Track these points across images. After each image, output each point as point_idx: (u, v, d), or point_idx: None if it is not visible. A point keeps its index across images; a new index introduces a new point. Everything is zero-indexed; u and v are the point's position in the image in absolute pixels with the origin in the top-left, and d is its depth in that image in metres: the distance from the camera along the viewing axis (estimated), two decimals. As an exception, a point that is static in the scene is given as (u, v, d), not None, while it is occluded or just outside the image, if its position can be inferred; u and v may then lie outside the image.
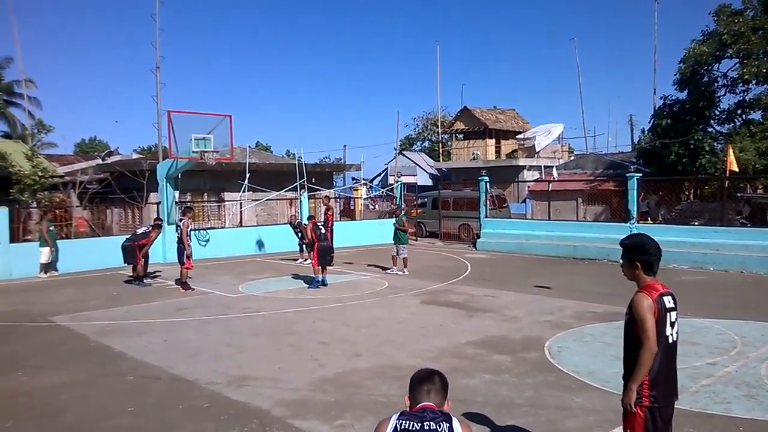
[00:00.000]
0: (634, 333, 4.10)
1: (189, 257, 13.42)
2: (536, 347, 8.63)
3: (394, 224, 16.31)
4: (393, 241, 16.20)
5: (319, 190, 25.74)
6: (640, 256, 4.17)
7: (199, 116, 17.50)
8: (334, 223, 17.35)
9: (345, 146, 58.06)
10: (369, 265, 17.20)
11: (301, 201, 22.52)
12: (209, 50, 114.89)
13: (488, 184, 22.72)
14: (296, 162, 24.91)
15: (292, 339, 9.23)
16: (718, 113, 27.49)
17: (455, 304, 11.77)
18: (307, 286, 13.71)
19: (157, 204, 19.00)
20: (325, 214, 17.11)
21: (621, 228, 17.65)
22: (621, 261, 4.27)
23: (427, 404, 3.28)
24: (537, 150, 34.87)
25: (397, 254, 15.85)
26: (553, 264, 17.44)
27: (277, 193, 24.33)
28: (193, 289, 13.39)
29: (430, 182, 42.83)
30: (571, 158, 37.80)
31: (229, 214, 23.94)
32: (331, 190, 28.34)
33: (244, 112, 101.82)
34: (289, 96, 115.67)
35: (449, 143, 45.07)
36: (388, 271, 15.82)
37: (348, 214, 31.04)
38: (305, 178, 23.78)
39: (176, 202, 19.81)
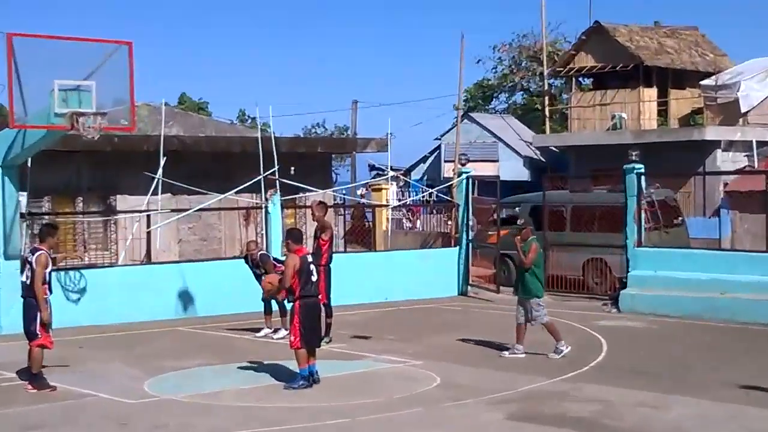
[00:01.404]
0: None
1: (46, 324, 13.51)
2: None
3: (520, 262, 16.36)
4: (516, 293, 16.32)
5: (306, 189, 25.79)
6: None
7: (68, 45, 17.64)
8: (332, 255, 17.24)
9: (356, 103, 56.10)
10: (478, 343, 17.27)
11: (267, 212, 22.61)
12: None
13: (644, 178, 22.62)
14: (259, 135, 24.95)
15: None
16: None
17: (576, 421, 11.66)
18: (283, 384, 13.71)
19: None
20: (317, 238, 17.07)
21: None
22: None
23: None
24: (744, 109, 34.54)
25: (526, 318, 16.00)
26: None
27: (223, 196, 24.44)
28: (54, 388, 13.48)
29: (525, 174, 42.65)
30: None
31: (127, 239, 24.08)
32: (327, 191, 28.36)
33: (158, 44, 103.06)
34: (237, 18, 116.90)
35: (564, 96, 44.84)
36: (505, 353, 15.98)
37: (360, 236, 30.97)
38: (277, 167, 23.84)
39: (23, 215, 19.88)
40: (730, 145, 33.92)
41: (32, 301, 13.56)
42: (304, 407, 12.46)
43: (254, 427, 11.46)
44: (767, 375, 14.02)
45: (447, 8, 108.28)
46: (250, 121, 60.11)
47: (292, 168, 25.21)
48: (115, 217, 24.92)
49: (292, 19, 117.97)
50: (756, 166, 31.54)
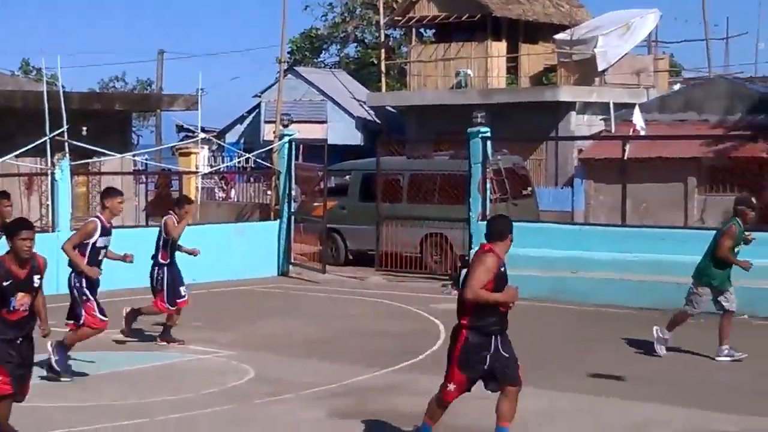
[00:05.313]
0: None
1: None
2: None
3: (716, 239, 15.19)
4: (695, 280, 15.38)
5: (101, 153, 25.32)
6: None
7: None
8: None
9: (162, 54, 56.47)
10: (300, 331, 17.23)
11: (54, 180, 22.21)
12: None
13: (490, 143, 22.95)
14: (44, 89, 24.35)
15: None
16: None
17: (410, 417, 11.65)
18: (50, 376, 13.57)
19: None
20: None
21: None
22: None
23: None
24: (601, 67, 35.36)
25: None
26: (635, 325, 17.61)
27: (0, 160, 23.82)
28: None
29: (358, 137, 42.81)
30: (677, 87, 38.48)
31: None
32: (127, 155, 27.88)
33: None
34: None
35: (404, 50, 45.03)
36: (659, 349, 15.21)
37: (165, 208, 30.42)
38: (66, 127, 23.33)
39: None
40: (586, 107, 34.77)
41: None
42: (94, 406, 12.24)
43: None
44: (621, 363, 14.41)
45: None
46: (35, 72, 58.68)
47: (85, 128, 24.81)
48: None
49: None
50: (613, 130, 32.29)
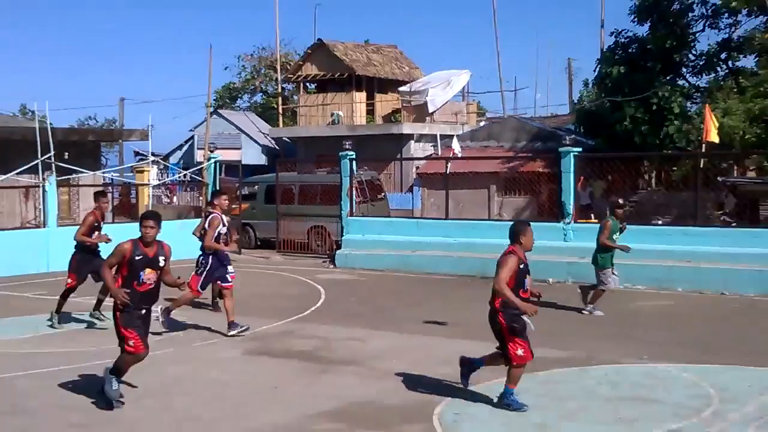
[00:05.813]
0: None
1: None
2: (422, 416, 8.86)
3: (599, 232, 14.68)
4: (594, 265, 14.74)
5: (78, 171, 24.82)
6: None
7: None
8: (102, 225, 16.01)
9: (123, 100, 55.63)
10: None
11: (45, 190, 21.62)
12: None
13: (354, 162, 22.99)
14: (37, 125, 23.75)
15: (22, 421, 8.84)
16: (693, 58, 29.41)
17: (299, 353, 11.86)
18: (51, 324, 13.46)
19: None
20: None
21: (552, 229, 18.58)
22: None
23: None
24: (431, 110, 35.85)
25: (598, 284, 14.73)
26: (455, 287, 17.97)
27: (4, 177, 23.12)
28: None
29: (263, 159, 42.73)
30: (482, 124, 39.27)
31: None
32: (97, 173, 27.32)
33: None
34: (23, 20, 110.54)
35: (294, 98, 45.14)
36: (586, 311, 14.61)
37: (127, 210, 30.08)
38: (53, 153, 22.78)
39: None
40: (421, 138, 35.50)
41: None
42: (73, 351, 12.05)
43: (29, 369, 10.96)
44: (443, 312, 14.64)
45: (197, 20, 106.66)
46: (30, 114, 57.20)
47: (66, 153, 24.47)
48: None
49: (63, 20, 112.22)
50: (439, 153, 32.85)
